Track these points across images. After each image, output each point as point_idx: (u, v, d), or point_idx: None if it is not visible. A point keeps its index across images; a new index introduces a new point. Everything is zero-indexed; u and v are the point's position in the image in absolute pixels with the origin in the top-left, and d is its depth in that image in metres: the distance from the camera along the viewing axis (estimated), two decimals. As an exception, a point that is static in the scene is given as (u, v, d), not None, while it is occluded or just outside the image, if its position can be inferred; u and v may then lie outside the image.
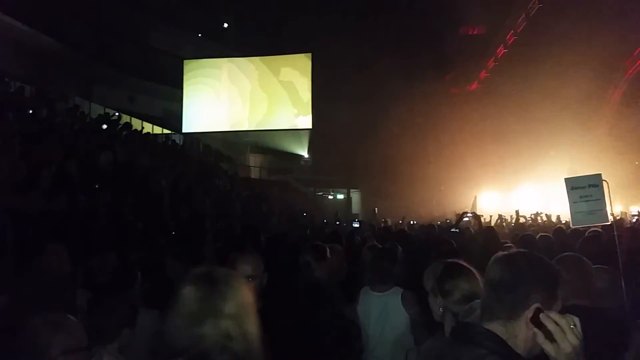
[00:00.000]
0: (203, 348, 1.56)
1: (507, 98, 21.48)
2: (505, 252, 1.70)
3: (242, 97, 24.79)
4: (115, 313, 2.69)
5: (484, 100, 23.34)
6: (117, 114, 15.73)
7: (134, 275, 3.67)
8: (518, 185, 21.99)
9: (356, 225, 10.92)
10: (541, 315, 1.49)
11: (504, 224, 12.25)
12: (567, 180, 3.96)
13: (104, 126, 13.55)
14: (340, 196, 27.36)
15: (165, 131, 23.15)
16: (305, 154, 26.17)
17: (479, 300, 1.72)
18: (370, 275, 4.03)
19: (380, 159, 23.54)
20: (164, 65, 23.13)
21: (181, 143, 22.02)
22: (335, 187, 27.24)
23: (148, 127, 20.73)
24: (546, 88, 19.79)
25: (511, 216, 12.59)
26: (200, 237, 6.80)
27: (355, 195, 27.56)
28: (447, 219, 15.97)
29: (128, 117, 17.23)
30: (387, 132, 23.25)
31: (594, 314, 2.53)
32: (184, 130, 24.22)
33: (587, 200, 3.83)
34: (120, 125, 14.15)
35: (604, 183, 3.92)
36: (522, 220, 11.29)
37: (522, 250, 1.78)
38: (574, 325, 1.48)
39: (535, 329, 1.49)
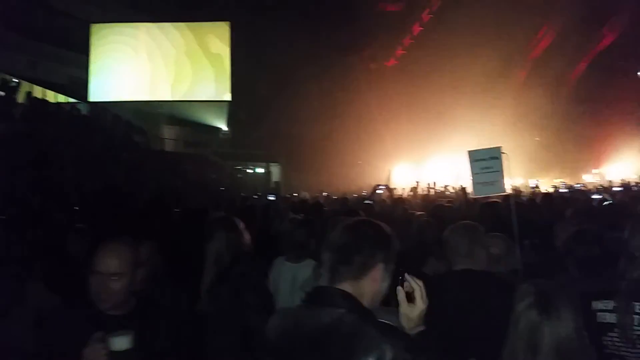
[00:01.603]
0: None
1: (422, 75, 22.14)
2: (350, 220, 1.87)
3: (156, 66, 23.56)
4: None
5: (400, 76, 23.91)
6: (16, 80, 14.44)
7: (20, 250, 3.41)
8: (431, 159, 22.92)
9: (272, 198, 10.88)
10: (407, 276, 1.75)
11: (416, 195, 12.75)
12: (469, 152, 4.13)
13: (1, 93, 12.43)
14: (260, 170, 27.09)
15: (71, 100, 21.59)
16: (224, 126, 25.54)
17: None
18: (287, 247, 4.05)
19: (300, 133, 23.54)
20: (69, 29, 21.40)
21: (88, 113, 20.65)
22: (255, 160, 26.92)
23: (51, 96, 19.26)
24: (458, 66, 20.64)
25: (422, 189, 13.14)
26: (107, 213, 6.44)
27: (275, 169, 27.45)
28: (363, 192, 16.36)
29: (28, 84, 15.91)
30: (307, 106, 23.23)
31: (486, 277, 2.69)
32: (90, 99, 22.69)
33: (488, 172, 4.02)
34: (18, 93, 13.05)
35: (503, 155, 4.12)
36: (431, 192, 11.81)
37: (364, 218, 2.06)
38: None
39: (399, 288, 1.76)
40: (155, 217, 5.65)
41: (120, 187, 9.29)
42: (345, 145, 23.38)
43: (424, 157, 23.17)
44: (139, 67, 23.55)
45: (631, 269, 2.12)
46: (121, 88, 23.21)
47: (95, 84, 22.94)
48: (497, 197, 5.62)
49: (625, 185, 14.07)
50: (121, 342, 1.95)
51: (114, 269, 2.14)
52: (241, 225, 3.37)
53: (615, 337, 2.12)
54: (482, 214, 4.66)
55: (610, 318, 2.16)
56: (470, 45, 20.06)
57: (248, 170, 26.29)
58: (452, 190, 12.95)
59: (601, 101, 23.44)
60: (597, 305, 2.24)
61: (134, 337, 1.98)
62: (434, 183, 12.66)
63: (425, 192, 12.01)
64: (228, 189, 16.43)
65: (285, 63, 22.62)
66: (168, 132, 25.32)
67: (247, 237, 3.37)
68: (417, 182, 13.42)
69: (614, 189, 13.37)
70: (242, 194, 14.91)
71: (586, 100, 23.76)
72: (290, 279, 3.77)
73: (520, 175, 17.79)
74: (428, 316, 2.56)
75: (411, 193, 12.89)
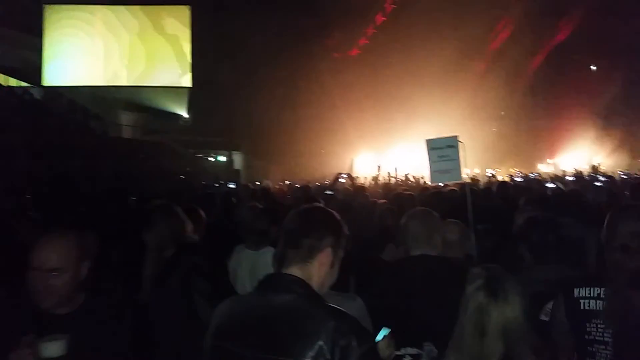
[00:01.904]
0: None
1: (384, 64, 22.30)
2: (303, 207, 1.90)
3: (114, 50, 22.83)
4: None
5: (363, 66, 24.00)
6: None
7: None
8: (393, 148, 23.19)
9: (232, 186, 10.77)
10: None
11: (378, 184, 12.89)
12: (427, 141, 4.19)
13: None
14: (221, 158, 26.72)
15: (23, 84, 20.70)
16: (184, 113, 25.02)
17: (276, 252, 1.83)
18: (247, 235, 4.03)
19: (262, 121, 23.35)
20: (21, 10, 20.43)
21: (41, 98, 19.85)
22: (217, 148, 26.53)
23: (2, 79, 18.41)
24: (418, 56, 20.89)
25: (383, 177, 13.30)
26: (61, 201, 6.24)
27: (237, 157, 27.16)
28: (326, 181, 16.42)
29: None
30: (270, 94, 23.06)
31: (441, 262, 2.75)
32: (44, 84, 21.82)
33: (445, 160, 4.09)
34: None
35: (460, 144, 4.20)
36: (392, 180, 11.97)
37: (316, 204, 2.09)
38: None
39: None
40: (111, 206, 5.50)
41: (75, 175, 9.00)
42: (308, 133, 23.36)
43: (386, 146, 23.42)
44: (95, 51, 22.78)
45: (626, 258, 2.08)
46: (77, 72, 22.43)
47: (50, 68, 22.10)
48: (454, 184, 5.75)
49: (578, 175, 14.62)
50: (52, 349, 1.80)
51: (53, 264, 1.95)
52: (182, 212, 3.28)
53: (600, 323, 2.12)
54: (432, 202, 4.75)
55: (595, 305, 2.16)
56: (430, 36, 20.33)
57: (209, 159, 25.88)
58: (412, 179, 13.17)
59: (556, 93, 24.23)
60: (581, 292, 2.28)
61: (68, 341, 1.83)
62: (395, 171, 12.83)
63: (386, 181, 12.16)
64: (188, 177, 16.16)
65: (249, 51, 22.34)
66: (126, 119, 24.62)
67: (190, 224, 3.31)
68: (379, 166, 13.56)
69: (567, 178, 13.88)
70: (203, 182, 14.71)
71: (542, 93, 24.51)
72: (249, 266, 3.75)
73: (477, 165, 18.23)
74: (387, 301, 2.61)
75: (372, 182, 13.03)
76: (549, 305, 2.67)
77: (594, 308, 2.17)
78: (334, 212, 1.87)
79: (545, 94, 24.54)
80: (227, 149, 26.48)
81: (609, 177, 11.72)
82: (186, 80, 23.02)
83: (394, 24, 23.12)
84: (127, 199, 6.43)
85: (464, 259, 3.38)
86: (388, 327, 2.06)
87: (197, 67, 22.74)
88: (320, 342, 1.52)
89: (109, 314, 2.13)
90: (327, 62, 24.60)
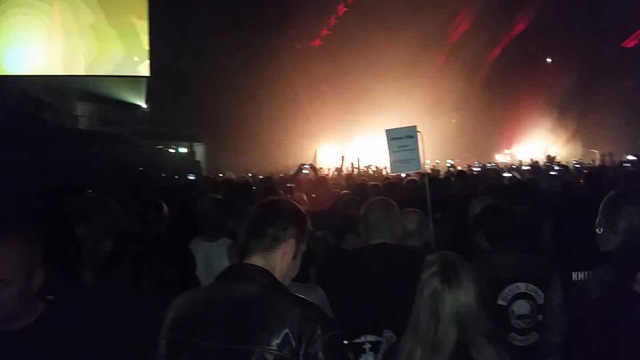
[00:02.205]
0: None
1: (346, 55, 22.34)
2: (268, 198, 1.91)
3: (68, 38, 21.96)
4: None
5: (326, 56, 23.98)
6: None
7: None
8: (355, 139, 23.31)
9: (192, 177, 10.59)
10: None
11: (341, 175, 12.94)
12: (387, 131, 4.21)
13: None
14: (182, 149, 26.21)
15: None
16: (142, 103, 24.36)
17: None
18: (204, 226, 4.03)
19: (224, 112, 23.04)
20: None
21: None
22: (178, 140, 26.01)
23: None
24: (379, 48, 21.03)
25: (347, 168, 13.35)
26: (12, 195, 5.97)
27: (199, 149, 26.72)
28: (290, 172, 16.37)
29: None
30: (232, 85, 22.76)
31: (399, 250, 2.77)
32: (-6, 73, 20.84)
33: (404, 150, 4.12)
34: None
35: (419, 134, 4.23)
36: (355, 171, 12.03)
37: (281, 197, 2.17)
38: None
39: None
40: (64, 201, 5.28)
41: (25, 169, 8.66)
42: (271, 124, 23.22)
43: (350, 137, 23.53)
44: (48, 39, 21.87)
45: (630, 239, 2.11)
46: (29, 61, 21.46)
47: (1, 57, 21.09)
48: (415, 174, 5.81)
49: (534, 164, 15.05)
50: None
51: None
52: (116, 205, 3.17)
53: None
54: (392, 192, 4.80)
55: None
56: (391, 27, 20.48)
57: (170, 150, 25.35)
58: (374, 170, 13.28)
59: (513, 85, 24.86)
60: (579, 275, 2.31)
61: None
62: (357, 162, 12.90)
63: (349, 172, 12.21)
64: (147, 169, 15.79)
65: (209, 41, 21.94)
66: (82, 109, 23.80)
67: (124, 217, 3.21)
68: (343, 156, 13.62)
69: (524, 167, 14.28)
70: (162, 174, 14.42)
71: (499, 85, 25.09)
72: (204, 257, 3.71)
73: (437, 156, 18.54)
74: (346, 290, 2.62)
75: (336, 173, 13.06)
76: (506, 290, 2.75)
77: None
78: (297, 205, 1.87)
79: (502, 86, 25.14)
80: (189, 140, 26.02)
81: (564, 167, 12.11)
82: (144, 70, 22.40)
83: (355, 15, 23.15)
84: (84, 194, 6.21)
85: (422, 247, 3.42)
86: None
87: (156, 56, 22.15)
88: (286, 330, 1.52)
89: (74, 324, 1.88)
90: (289, 52, 24.45)
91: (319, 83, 23.18)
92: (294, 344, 1.51)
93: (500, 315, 2.66)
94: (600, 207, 2.44)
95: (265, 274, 1.67)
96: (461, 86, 22.64)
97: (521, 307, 2.72)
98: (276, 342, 1.52)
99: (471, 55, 23.99)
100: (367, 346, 2.55)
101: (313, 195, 5.74)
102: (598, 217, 2.45)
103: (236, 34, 21.00)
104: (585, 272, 2.41)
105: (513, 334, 2.70)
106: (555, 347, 2.50)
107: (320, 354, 1.52)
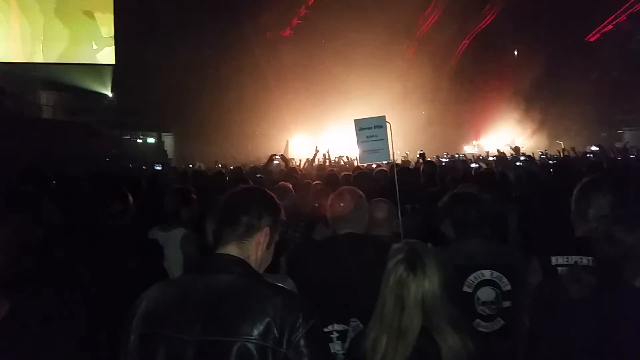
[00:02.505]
0: None
1: (317, 45, 22.25)
2: (242, 186, 1.89)
3: (32, 25, 21.23)
4: None
5: (296, 46, 23.84)
6: None
7: None
8: (327, 129, 23.29)
9: (159, 168, 10.42)
10: None
11: (312, 165, 12.91)
12: (356, 121, 4.19)
13: None
14: (150, 140, 25.70)
15: None
16: (108, 92, 23.74)
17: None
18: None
19: (194, 102, 22.68)
20: None
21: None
22: (146, 130, 25.47)
23: None
24: (349, 39, 21.03)
25: (318, 159, 13.32)
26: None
27: (168, 139, 26.26)
28: (261, 163, 16.25)
29: None
30: (201, 74, 22.41)
31: (367, 240, 2.79)
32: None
33: (373, 140, 4.11)
34: None
35: (388, 125, 4.23)
36: (326, 162, 12.04)
37: (253, 186, 2.22)
38: None
39: None
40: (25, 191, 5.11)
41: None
42: (241, 115, 23.01)
43: (321, 128, 23.50)
44: (13, 27, 21.09)
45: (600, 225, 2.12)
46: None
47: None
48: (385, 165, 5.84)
49: (500, 155, 15.32)
50: None
51: None
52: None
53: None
54: (362, 182, 4.82)
55: None
56: (361, 18, 20.48)
57: (138, 140, 24.83)
58: (345, 160, 13.30)
59: (481, 77, 25.26)
60: (558, 260, 2.35)
61: None
62: (328, 153, 12.90)
63: (321, 163, 12.20)
64: (114, 159, 15.46)
65: (177, 29, 21.50)
66: (45, 98, 23.06)
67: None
68: (317, 147, 13.61)
69: (490, 158, 14.53)
70: (129, 164, 14.14)
71: (467, 77, 25.46)
72: None
73: (407, 147, 18.71)
74: (314, 280, 2.61)
75: (307, 164, 13.02)
76: (471, 277, 2.79)
77: None
78: (272, 194, 1.85)
79: (470, 79, 25.52)
80: (158, 130, 25.54)
81: (529, 158, 12.36)
82: (109, 58, 21.83)
83: (325, 5, 23.06)
84: (48, 184, 6.02)
85: (391, 237, 3.44)
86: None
87: (121, 44, 21.60)
88: (268, 319, 1.51)
89: (43, 321, 1.80)
90: (260, 41, 24.21)
91: (290, 73, 23.06)
92: (276, 333, 1.50)
93: (465, 302, 2.69)
94: (573, 196, 2.57)
95: (241, 263, 1.65)
96: (430, 78, 22.86)
97: (486, 293, 2.76)
98: (258, 332, 1.50)
99: (440, 48, 24.24)
100: (334, 335, 2.55)
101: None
102: (572, 205, 2.57)
103: (206, 23, 20.66)
104: (565, 257, 2.49)
105: (478, 320, 2.74)
106: (524, 332, 2.55)
107: (302, 342, 1.51)
